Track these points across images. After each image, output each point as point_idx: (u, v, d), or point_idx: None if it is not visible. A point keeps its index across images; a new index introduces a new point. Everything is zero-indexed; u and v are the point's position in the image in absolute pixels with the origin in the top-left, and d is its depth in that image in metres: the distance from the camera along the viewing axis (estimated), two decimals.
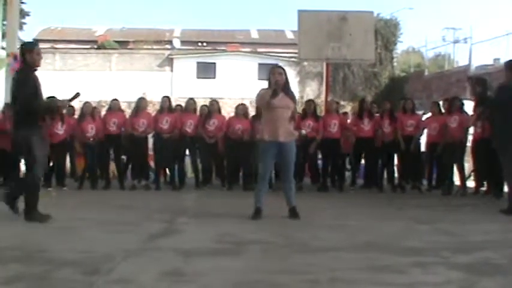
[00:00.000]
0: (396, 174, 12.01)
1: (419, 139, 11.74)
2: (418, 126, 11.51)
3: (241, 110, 11.94)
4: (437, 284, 3.90)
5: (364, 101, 12.81)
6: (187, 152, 12.03)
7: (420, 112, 13.01)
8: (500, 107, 7.72)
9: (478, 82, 8.23)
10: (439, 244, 5.37)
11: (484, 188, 11.23)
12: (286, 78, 7.14)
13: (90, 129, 11.48)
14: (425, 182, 12.16)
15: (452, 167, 11.22)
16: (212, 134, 11.60)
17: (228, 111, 12.90)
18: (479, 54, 21.41)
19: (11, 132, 7.47)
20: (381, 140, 11.56)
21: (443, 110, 11.68)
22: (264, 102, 7.05)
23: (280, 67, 7.36)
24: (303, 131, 11.06)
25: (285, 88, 7.08)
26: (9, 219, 6.88)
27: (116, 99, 12.08)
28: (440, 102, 12.19)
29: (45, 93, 6.83)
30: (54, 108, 7.13)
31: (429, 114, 12.07)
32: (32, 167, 6.62)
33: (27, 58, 6.61)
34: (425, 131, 11.63)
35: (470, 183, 11.77)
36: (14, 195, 6.83)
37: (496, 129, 8.10)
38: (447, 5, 77.70)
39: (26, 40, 15.77)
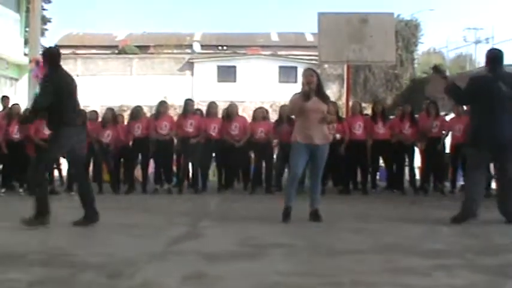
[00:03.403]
0: (418, 176, 11.91)
1: (444, 140, 11.61)
2: (443, 127, 11.41)
3: (259, 113, 11.96)
4: (461, 286, 3.86)
5: (377, 103, 12.72)
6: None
7: (443, 113, 12.87)
8: None
9: None
10: (463, 246, 5.33)
11: None
12: (319, 81, 7.15)
13: (106, 136, 11.56)
14: (448, 183, 12.06)
15: None
16: (238, 137, 11.61)
17: (249, 114, 12.89)
18: None
19: None
20: (397, 141, 11.44)
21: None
22: (297, 108, 7.08)
23: (311, 69, 7.37)
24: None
25: (318, 91, 7.08)
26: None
27: (139, 106, 12.14)
28: None
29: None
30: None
31: (452, 115, 11.95)
32: None
33: None
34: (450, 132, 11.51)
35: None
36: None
37: None
38: (468, 5, 77.09)
39: (48, 46, 15.93)
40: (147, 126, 11.64)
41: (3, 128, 11.14)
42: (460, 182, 12.03)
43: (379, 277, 4.08)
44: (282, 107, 11.50)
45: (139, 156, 12.03)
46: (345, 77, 16.05)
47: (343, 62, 15.62)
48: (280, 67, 33.07)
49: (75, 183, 10.17)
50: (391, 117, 12.51)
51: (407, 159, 11.66)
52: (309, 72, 7.20)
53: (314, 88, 7.03)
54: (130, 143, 11.89)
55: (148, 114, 12.87)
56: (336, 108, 11.90)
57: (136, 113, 11.93)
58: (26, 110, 12.26)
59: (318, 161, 7.13)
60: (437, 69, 8.16)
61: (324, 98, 7.18)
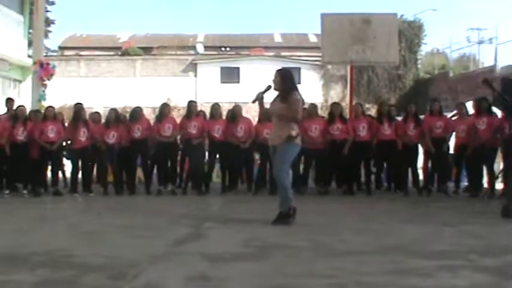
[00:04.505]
0: (421, 177, 11.88)
1: (448, 141, 11.57)
2: (447, 127, 11.37)
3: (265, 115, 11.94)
4: (464, 287, 3.86)
5: (383, 104, 12.71)
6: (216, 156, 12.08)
7: (449, 114, 12.83)
8: None
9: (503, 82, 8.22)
10: (466, 247, 5.31)
11: None
12: (283, 81, 7.03)
13: (111, 137, 11.54)
14: (451, 184, 12.02)
15: (481, 170, 11.07)
16: (244, 139, 11.58)
17: (253, 115, 12.88)
18: (505, 54, 21.15)
19: None
20: (402, 143, 11.42)
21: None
22: (259, 112, 7.19)
23: (277, 70, 7.27)
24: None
25: (281, 92, 7.02)
26: (35, 225, 6.96)
27: (138, 107, 12.10)
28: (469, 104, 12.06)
29: (72, 100, 6.89)
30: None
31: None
32: None
33: None
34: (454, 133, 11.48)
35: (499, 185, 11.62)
36: None
37: None
38: (471, 5, 76.91)
39: (52, 48, 15.95)
40: (147, 128, 11.63)
41: (7, 129, 11.15)
42: (464, 183, 12.03)
43: (382, 278, 4.08)
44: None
45: (139, 158, 12.01)
46: (348, 77, 16.05)
47: (346, 63, 15.66)
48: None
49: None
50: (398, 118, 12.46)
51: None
52: (274, 74, 7.17)
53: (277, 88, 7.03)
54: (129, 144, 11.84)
55: (151, 116, 12.85)
56: (339, 109, 11.91)
57: (136, 114, 11.88)
58: (31, 111, 12.31)
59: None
60: (486, 82, 8.23)
61: (283, 98, 7.01)
